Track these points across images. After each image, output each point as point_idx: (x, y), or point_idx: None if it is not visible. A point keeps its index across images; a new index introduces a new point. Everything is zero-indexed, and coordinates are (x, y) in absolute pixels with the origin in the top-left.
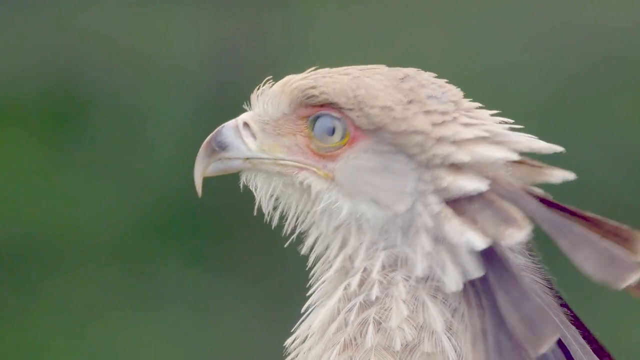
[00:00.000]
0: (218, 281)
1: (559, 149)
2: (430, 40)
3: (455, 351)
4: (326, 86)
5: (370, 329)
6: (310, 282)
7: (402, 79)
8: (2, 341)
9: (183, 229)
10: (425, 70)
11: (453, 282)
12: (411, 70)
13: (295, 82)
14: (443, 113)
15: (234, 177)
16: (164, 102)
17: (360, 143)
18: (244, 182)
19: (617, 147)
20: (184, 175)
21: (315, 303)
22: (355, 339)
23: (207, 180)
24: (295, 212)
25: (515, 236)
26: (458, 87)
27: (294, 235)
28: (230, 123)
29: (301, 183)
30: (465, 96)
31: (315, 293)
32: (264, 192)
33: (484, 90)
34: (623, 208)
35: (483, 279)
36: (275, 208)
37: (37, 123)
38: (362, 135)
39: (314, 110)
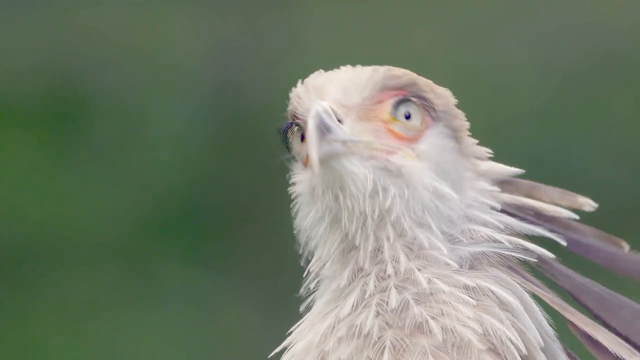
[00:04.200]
0: (218, 280)
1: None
2: (430, 40)
3: (518, 338)
4: (400, 70)
5: (434, 326)
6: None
7: None
8: (1, 340)
9: (183, 228)
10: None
11: (544, 253)
12: None
13: (372, 68)
14: None
15: (234, 175)
16: (164, 101)
17: (433, 126)
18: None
19: (618, 147)
20: (184, 174)
21: (334, 298)
22: (402, 340)
23: (206, 179)
24: (372, 201)
25: (591, 203)
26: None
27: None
28: (320, 106)
29: (394, 165)
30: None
31: (349, 289)
32: (354, 179)
33: (484, 90)
34: (624, 209)
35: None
36: (345, 198)
37: (36, 122)
38: (430, 119)
39: (394, 94)
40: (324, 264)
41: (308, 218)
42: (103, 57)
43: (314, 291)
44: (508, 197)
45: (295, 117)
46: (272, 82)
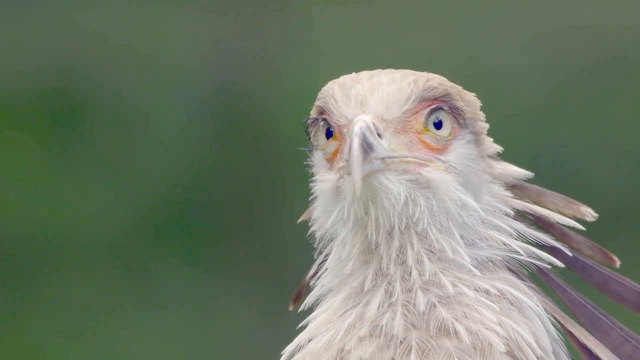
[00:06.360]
0: (217, 282)
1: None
2: (430, 40)
3: (537, 342)
4: (435, 78)
5: (460, 329)
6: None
7: None
8: (0, 341)
9: (182, 229)
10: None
11: (554, 261)
12: None
13: (412, 79)
14: None
15: (233, 176)
16: (163, 102)
17: (459, 135)
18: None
19: (616, 147)
20: (183, 176)
21: (353, 300)
22: (427, 341)
23: (205, 180)
24: (402, 213)
25: (593, 214)
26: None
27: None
28: (364, 123)
29: (424, 178)
30: None
31: (369, 292)
32: (388, 194)
33: (483, 90)
34: (622, 208)
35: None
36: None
37: (36, 123)
38: (458, 127)
39: (428, 104)
40: (343, 263)
41: (330, 217)
42: (102, 58)
43: (315, 287)
44: (520, 205)
45: (323, 113)
46: (271, 82)
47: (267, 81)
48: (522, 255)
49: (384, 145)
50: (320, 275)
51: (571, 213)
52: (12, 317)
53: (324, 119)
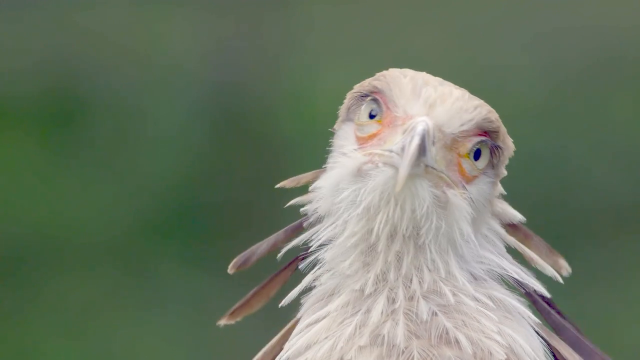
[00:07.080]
0: (217, 282)
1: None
2: (430, 40)
3: (533, 350)
4: (494, 112)
5: (462, 338)
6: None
7: None
8: (0, 341)
9: (182, 229)
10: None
11: (543, 291)
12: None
13: (477, 103)
14: None
15: (232, 176)
16: (162, 102)
17: (487, 172)
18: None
19: (616, 147)
20: (182, 175)
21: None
22: (429, 350)
23: (205, 180)
24: (414, 221)
25: (568, 269)
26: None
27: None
28: (427, 125)
29: (445, 197)
30: None
31: (374, 299)
32: (414, 199)
33: (483, 90)
34: (622, 208)
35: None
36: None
37: (35, 123)
38: (489, 165)
39: (479, 133)
40: (341, 262)
41: (339, 195)
42: (102, 58)
43: (307, 276)
44: (512, 241)
45: (375, 93)
46: (271, 82)
47: (267, 81)
48: (513, 275)
49: (432, 154)
50: (314, 269)
51: (550, 262)
52: (12, 317)
53: (375, 100)
